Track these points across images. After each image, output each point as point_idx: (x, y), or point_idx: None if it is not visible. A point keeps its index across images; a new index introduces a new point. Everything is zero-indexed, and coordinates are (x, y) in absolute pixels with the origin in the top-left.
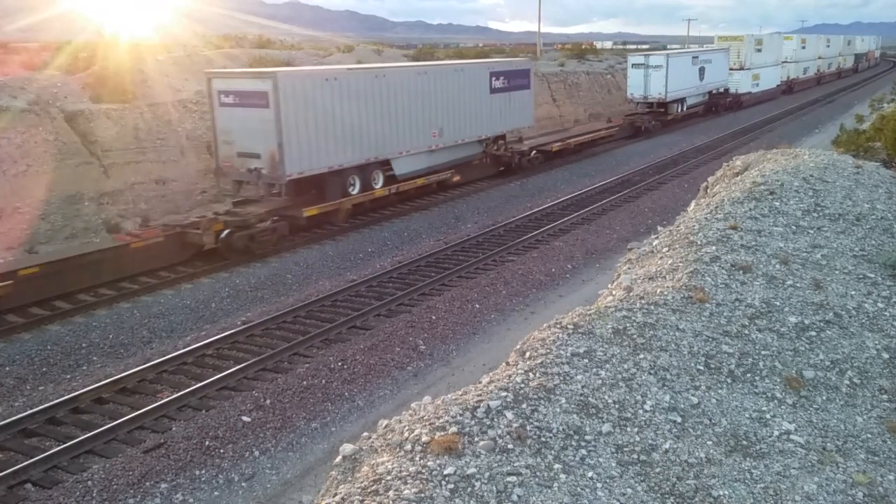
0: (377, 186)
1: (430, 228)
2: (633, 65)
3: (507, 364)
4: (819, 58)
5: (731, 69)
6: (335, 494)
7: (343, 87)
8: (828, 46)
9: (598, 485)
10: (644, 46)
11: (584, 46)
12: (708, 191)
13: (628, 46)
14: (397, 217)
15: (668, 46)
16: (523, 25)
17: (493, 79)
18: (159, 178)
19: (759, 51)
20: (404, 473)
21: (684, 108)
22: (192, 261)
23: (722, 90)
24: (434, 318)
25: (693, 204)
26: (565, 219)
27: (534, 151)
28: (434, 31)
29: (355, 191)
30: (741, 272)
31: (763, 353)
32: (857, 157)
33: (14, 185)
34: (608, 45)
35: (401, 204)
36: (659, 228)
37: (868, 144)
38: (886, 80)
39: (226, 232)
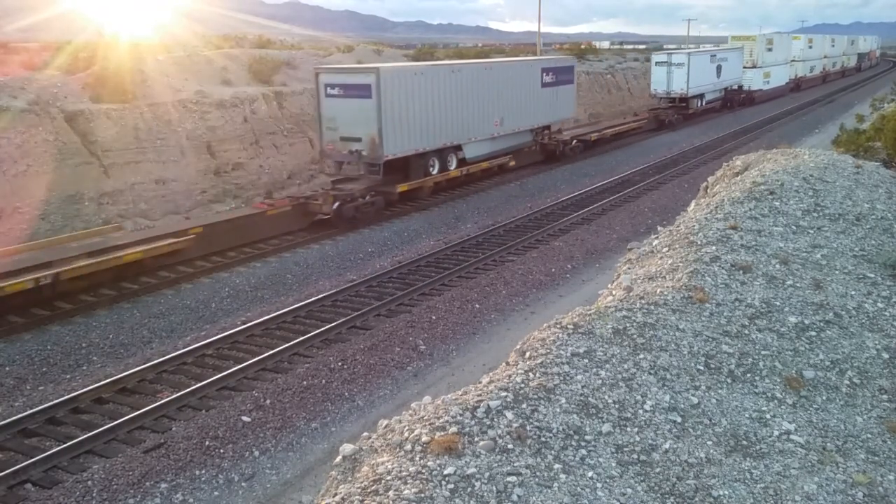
0: (451, 168)
1: (430, 228)
2: (656, 62)
3: (507, 364)
4: (825, 57)
5: (744, 67)
6: (335, 494)
7: (427, 81)
8: (833, 46)
9: (598, 485)
10: (641, 47)
11: (583, 46)
12: (708, 191)
13: (625, 46)
14: (397, 217)
15: (665, 46)
16: (523, 25)
17: (544, 74)
18: (159, 178)
19: (770, 50)
20: (404, 473)
21: (703, 104)
22: (310, 228)
23: (736, 87)
24: (434, 318)
25: (693, 204)
26: (565, 219)
27: (574, 141)
28: (434, 31)
29: (434, 171)
30: (741, 272)
31: (763, 353)
32: (858, 157)
33: (14, 185)
34: (605, 44)
35: (446, 191)
36: (659, 228)
37: (868, 144)
38: (886, 80)
39: (336, 204)
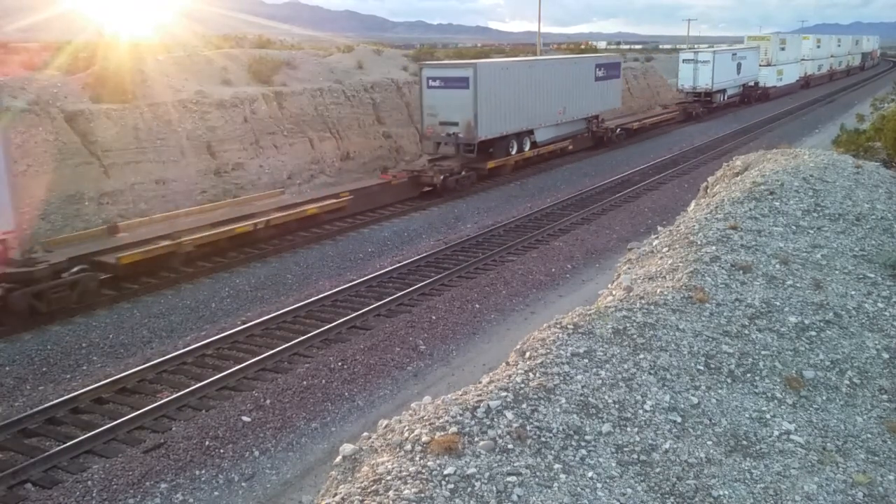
0: (526, 149)
1: (430, 228)
2: (683, 60)
3: (507, 364)
4: (831, 56)
5: (760, 65)
6: (335, 494)
7: (510, 75)
8: (839, 46)
9: (598, 485)
10: (638, 46)
11: (582, 46)
12: (708, 191)
13: (622, 46)
14: (397, 217)
15: (661, 46)
16: (523, 25)
17: (597, 69)
18: (159, 178)
19: (783, 49)
20: (404, 473)
21: (725, 98)
22: (420, 196)
23: (753, 83)
24: (434, 318)
25: (693, 204)
26: (565, 219)
27: (619, 129)
28: (434, 31)
29: (514, 151)
30: (741, 272)
31: (763, 353)
32: (858, 157)
33: (14, 185)
34: (602, 44)
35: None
36: (659, 228)
37: (868, 144)
38: (886, 80)
39: (442, 177)
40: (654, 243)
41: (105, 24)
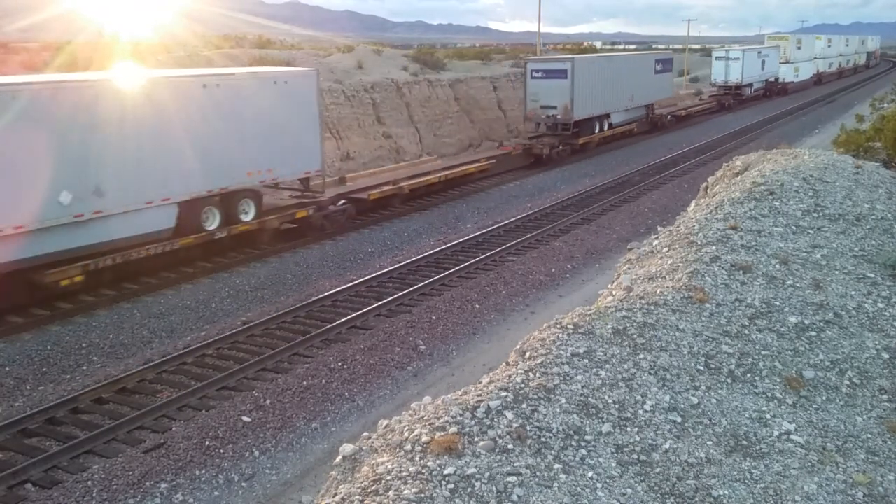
0: (605, 129)
1: (430, 228)
2: (716, 57)
3: (507, 364)
4: (840, 55)
5: (780, 63)
6: (335, 494)
7: (596, 67)
8: (847, 45)
9: (598, 485)
10: (631, 46)
11: (583, 46)
12: (708, 191)
13: (616, 46)
14: (397, 217)
15: (654, 46)
16: (523, 25)
17: (656, 64)
18: None
19: (799, 48)
20: (404, 473)
21: (752, 91)
22: (530, 165)
23: (773, 79)
24: (434, 318)
25: (693, 204)
26: (565, 219)
27: (669, 115)
28: (434, 32)
29: (596, 131)
30: (741, 272)
31: (763, 353)
32: (857, 157)
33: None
34: (597, 44)
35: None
36: (659, 228)
37: (868, 144)
38: (886, 81)
39: (547, 149)
40: (654, 243)
41: (105, 24)
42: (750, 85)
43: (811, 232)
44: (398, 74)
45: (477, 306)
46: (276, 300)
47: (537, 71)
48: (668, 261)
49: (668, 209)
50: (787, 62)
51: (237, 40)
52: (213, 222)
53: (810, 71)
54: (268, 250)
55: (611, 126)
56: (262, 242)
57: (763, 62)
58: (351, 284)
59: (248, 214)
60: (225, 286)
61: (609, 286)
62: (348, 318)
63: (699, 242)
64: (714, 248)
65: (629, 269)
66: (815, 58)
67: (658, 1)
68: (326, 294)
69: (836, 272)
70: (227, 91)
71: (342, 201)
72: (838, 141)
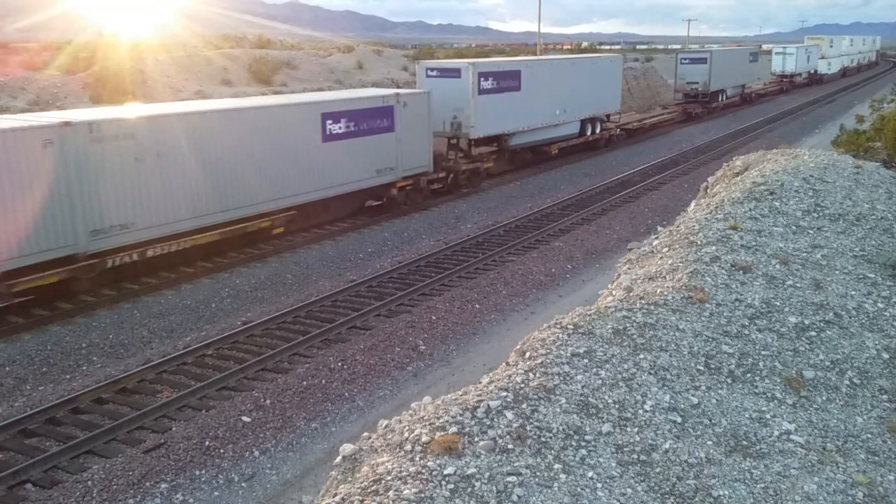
0: (722, 101)
1: (430, 228)
2: (776, 52)
3: (507, 364)
4: (859, 52)
5: (819, 58)
6: (335, 494)
7: (721, 57)
8: (863, 44)
9: (598, 485)
10: (617, 46)
11: (583, 46)
12: (708, 191)
13: (603, 46)
14: (397, 217)
15: (640, 47)
16: (523, 26)
17: (750, 56)
18: None
19: (831, 47)
20: (404, 473)
21: (801, 80)
22: (685, 120)
23: (814, 71)
24: (434, 318)
25: (693, 204)
26: (565, 219)
27: (753, 94)
28: (434, 32)
29: (721, 101)
30: (741, 272)
31: (763, 353)
32: (857, 158)
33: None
34: (585, 45)
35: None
36: (659, 228)
37: (868, 144)
38: (886, 81)
39: (696, 110)
40: (654, 243)
41: (105, 24)
42: (800, 74)
43: (811, 232)
44: (398, 74)
45: (477, 306)
46: (276, 300)
47: (685, 59)
48: (668, 261)
49: (668, 209)
50: (822, 58)
51: (237, 40)
52: (586, 132)
53: (838, 65)
54: (268, 250)
55: (725, 98)
56: (601, 147)
57: (808, 57)
58: (351, 284)
59: (595, 131)
60: (225, 286)
61: (609, 286)
62: (348, 318)
63: (699, 242)
64: (714, 248)
65: (629, 269)
66: (842, 55)
67: (658, 1)
68: (326, 294)
69: (836, 272)
70: (581, 67)
71: (619, 130)
72: (838, 141)
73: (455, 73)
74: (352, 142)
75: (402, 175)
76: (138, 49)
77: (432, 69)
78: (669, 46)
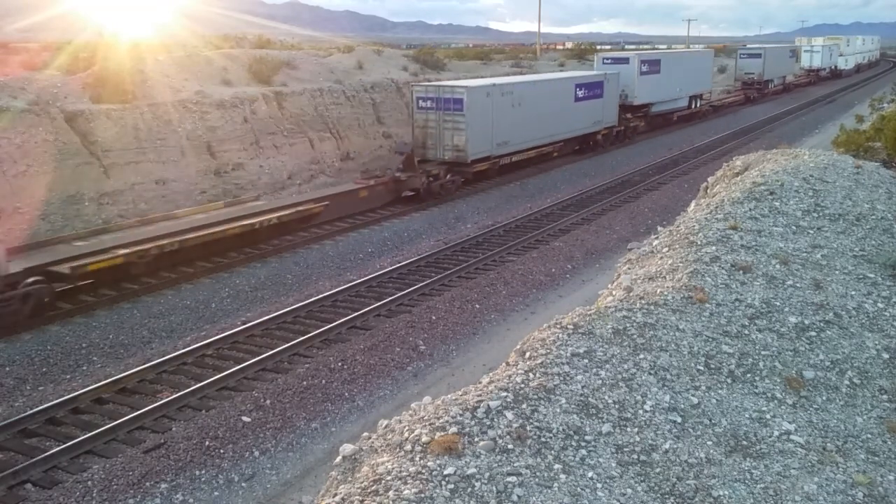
0: (770, 89)
1: (430, 228)
2: (804, 50)
3: (507, 364)
4: (869, 51)
5: (839, 55)
6: (335, 495)
7: (766, 54)
8: (872, 44)
9: (598, 485)
10: (607, 47)
11: (583, 46)
12: (708, 191)
13: (605, 46)
14: (397, 217)
15: (626, 47)
16: (524, 25)
17: (789, 53)
18: (159, 178)
19: (848, 45)
20: (404, 473)
21: (825, 73)
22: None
23: (834, 66)
24: (434, 318)
25: (693, 204)
26: (565, 219)
27: (791, 85)
28: (434, 32)
29: (771, 87)
30: (741, 272)
31: (763, 353)
32: (857, 157)
33: (14, 186)
34: (569, 45)
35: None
36: (659, 229)
37: (868, 144)
38: (886, 81)
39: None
40: (654, 243)
41: (105, 24)
42: (824, 69)
43: (811, 232)
44: (398, 74)
45: (477, 306)
46: (276, 300)
47: (744, 54)
48: (668, 261)
49: (668, 209)
50: (841, 55)
51: (237, 40)
52: (692, 105)
53: (853, 62)
54: (268, 250)
55: (773, 85)
56: (699, 118)
57: (830, 54)
58: (351, 284)
59: (697, 105)
60: (225, 286)
61: (609, 286)
62: (348, 318)
63: (699, 242)
64: (714, 248)
65: (629, 269)
66: (856, 52)
67: (658, 1)
68: (326, 294)
69: (836, 272)
70: (689, 57)
71: (709, 105)
72: (838, 141)
73: (625, 61)
74: (586, 102)
75: (605, 126)
76: (138, 49)
77: (608, 59)
78: (669, 46)
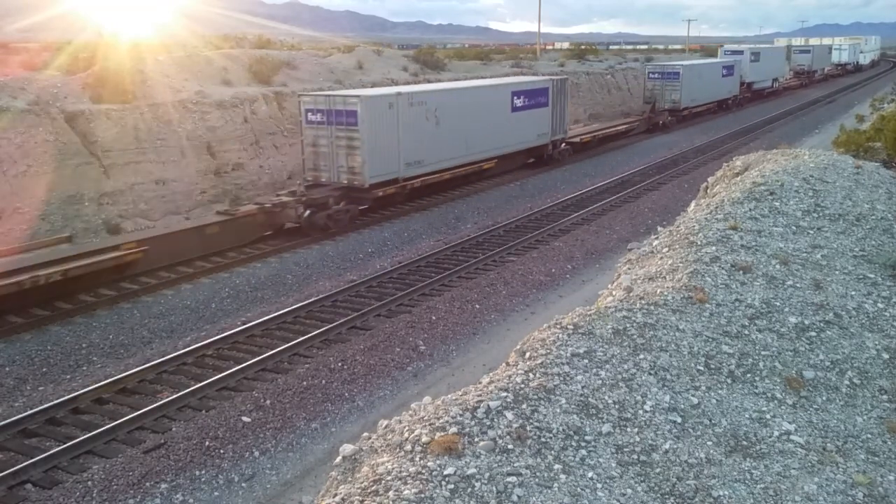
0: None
1: (430, 229)
2: (833, 49)
3: (507, 364)
4: (878, 49)
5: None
6: (335, 495)
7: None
8: (875, 43)
9: (598, 485)
10: (616, 46)
11: (583, 47)
12: (708, 191)
13: (611, 47)
14: (397, 217)
15: (635, 46)
16: (524, 26)
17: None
18: (159, 178)
19: (866, 44)
20: (404, 474)
21: (850, 67)
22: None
23: (856, 62)
24: (434, 318)
25: (693, 204)
26: (565, 219)
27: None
28: (434, 32)
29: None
30: (741, 272)
31: (763, 353)
32: (858, 158)
33: (14, 186)
34: (565, 45)
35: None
36: (659, 229)
37: (868, 144)
38: (886, 81)
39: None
40: (654, 243)
41: (105, 24)
42: (849, 64)
43: (811, 232)
44: (398, 75)
45: (477, 306)
46: (276, 300)
47: (796, 49)
48: (668, 261)
49: (668, 209)
50: (861, 52)
51: (237, 40)
52: (773, 85)
53: (869, 58)
54: (268, 250)
55: (819, 74)
56: (775, 95)
57: (853, 52)
58: (351, 284)
59: (775, 85)
60: (225, 286)
61: (609, 286)
62: (348, 318)
63: (699, 242)
64: (714, 248)
65: (629, 269)
66: (872, 50)
67: (658, 1)
68: (326, 294)
69: (836, 272)
70: (775, 51)
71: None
72: (838, 141)
73: (740, 52)
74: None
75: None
76: (138, 49)
77: (728, 51)
78: (669, 47)
